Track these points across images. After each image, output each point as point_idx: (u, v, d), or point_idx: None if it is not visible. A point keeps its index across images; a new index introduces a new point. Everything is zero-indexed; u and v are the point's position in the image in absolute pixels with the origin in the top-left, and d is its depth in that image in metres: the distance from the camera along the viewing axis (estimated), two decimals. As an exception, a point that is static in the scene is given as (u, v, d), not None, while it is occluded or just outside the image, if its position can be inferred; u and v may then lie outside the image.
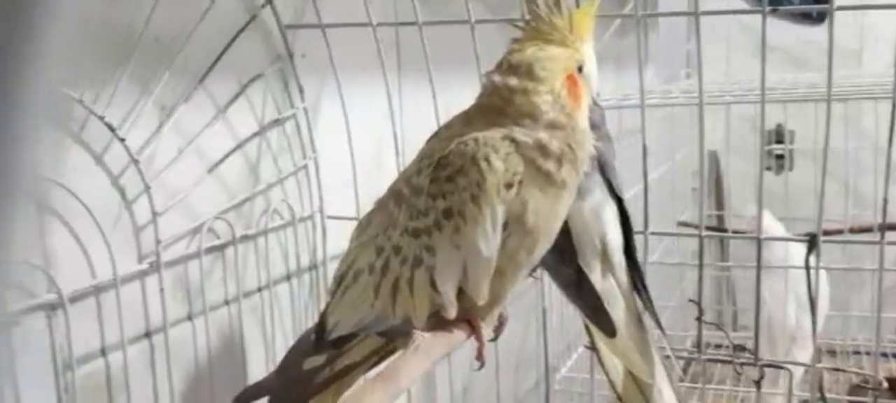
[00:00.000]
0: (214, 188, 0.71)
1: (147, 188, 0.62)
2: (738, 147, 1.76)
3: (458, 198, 0.45)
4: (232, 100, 0.72)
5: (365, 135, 0.85)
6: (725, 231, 1.72)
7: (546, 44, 0.48)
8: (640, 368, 0.61)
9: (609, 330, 0.59)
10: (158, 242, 0.63)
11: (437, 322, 0.48)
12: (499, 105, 0.47)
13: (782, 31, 1.93)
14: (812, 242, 0.65)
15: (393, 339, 0.49)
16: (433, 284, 0.46)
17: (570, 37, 0.48)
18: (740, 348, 0.70)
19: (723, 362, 0.73)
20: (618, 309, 0.61)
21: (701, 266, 0.70)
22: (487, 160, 0.44)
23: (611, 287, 0.61)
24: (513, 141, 0.45)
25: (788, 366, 0.73)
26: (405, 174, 0.50)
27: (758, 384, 0.70)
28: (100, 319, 0.60)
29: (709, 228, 2.01)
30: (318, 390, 0.51)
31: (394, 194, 0.49)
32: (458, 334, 0.49)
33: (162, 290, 0.64)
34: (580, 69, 0.48)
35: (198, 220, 0.69)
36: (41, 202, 0.55)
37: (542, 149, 0.45)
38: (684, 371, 1.32)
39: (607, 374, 0.64)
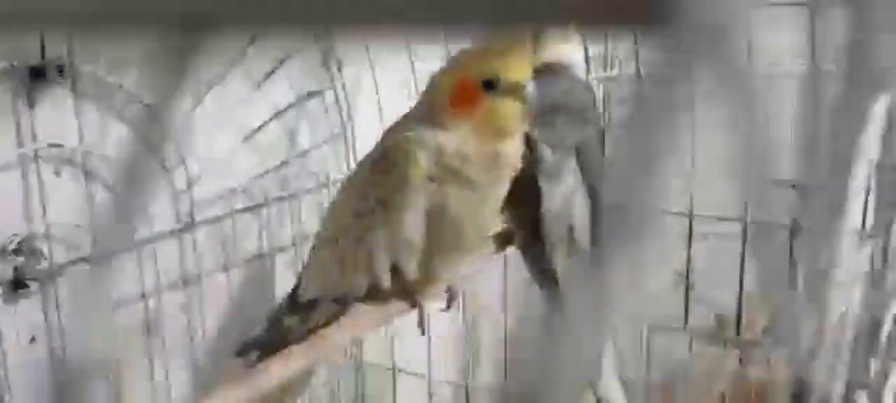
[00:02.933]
0: (252, 153, 0.79)
1: (182, 160, 0.71)
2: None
3: (390, 187, 0.52)
4: (269, 75, 0.79)
5: (399, 104, 0.91)
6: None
7: (486, 50, 0.53)
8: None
9: (559, 308, 0.64)
10: (193, 204, 0.73)
11: (383, 294, 0.55)
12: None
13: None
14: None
15: (344, 307, 0.56)
16: (371, 262, 0.53)
17: (513, 48, 0.52)
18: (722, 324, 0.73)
19: (704, 337, 0.76)
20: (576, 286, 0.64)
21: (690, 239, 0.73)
22: (414, 156, 0.51)
23: (573, 264, 0.64)
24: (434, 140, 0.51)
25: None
26: (363, 159, 0.57)
27: (740, 360, 0.73)
28: (140, 268, 0.71)
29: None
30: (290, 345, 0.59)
31: (353, 175, 0.57)
32: (398, 306, 0.56)
33: (195, 248, 0.74)
34: (490, 84, 0.52)
35: (236, 182, 0.77)
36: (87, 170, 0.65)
37: (440, 148, 0.51)
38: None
39: None
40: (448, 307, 0.62)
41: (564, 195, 0.63)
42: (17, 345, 0.61)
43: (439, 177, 0.51)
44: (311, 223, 0.88)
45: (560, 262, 0.63)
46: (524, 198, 0.63)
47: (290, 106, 0.82)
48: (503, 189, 0.54)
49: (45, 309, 0.63)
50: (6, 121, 0.58)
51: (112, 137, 0.66)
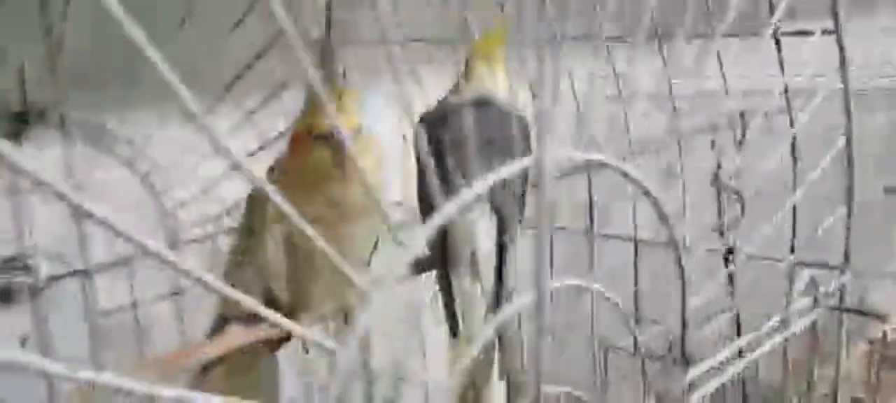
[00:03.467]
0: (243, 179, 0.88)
1: (166, 189, 0.81)
2: None
3: (255, 220, 0.59)
4: (259, 108, 0.87)
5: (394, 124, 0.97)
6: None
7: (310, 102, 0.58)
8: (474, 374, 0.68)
9: (453, 330, 0.67)
10: (176, 231, 0.82)
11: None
12: None
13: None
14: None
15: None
16: (246, 287, 0.60)
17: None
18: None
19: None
20: (475, 314, 0.68)
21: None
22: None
23: (475, 293, 0.67)
24: None
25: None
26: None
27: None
28: (131, 280, 0.80)
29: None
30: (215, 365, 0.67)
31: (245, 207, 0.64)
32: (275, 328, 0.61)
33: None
34: (309, 134, 0.58)
35: (226, 204, 0.86)
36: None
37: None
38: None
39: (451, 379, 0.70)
40: (344, 323, 0.67)
41: (468, 223, 0.66)
42: (11, 345, 0.72)
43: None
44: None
45: (465, 284, 0.66)
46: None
47: (281, 134, 0.90)
48: (357, 228, 0.59)
49: (35, 315, 0.73)
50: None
51: (100, 169, 0.76)
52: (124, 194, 0.78)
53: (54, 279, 0.73)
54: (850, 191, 0.56)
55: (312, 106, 0.59)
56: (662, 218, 0.41)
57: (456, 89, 0.72)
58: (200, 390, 0.42)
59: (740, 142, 0.64)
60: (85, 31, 0.71)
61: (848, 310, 0.60)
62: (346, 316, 0.67)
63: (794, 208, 0.62)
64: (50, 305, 0.74)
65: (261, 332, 0.61)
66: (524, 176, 0.70)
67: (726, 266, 0.68)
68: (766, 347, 0.53)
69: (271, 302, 0.61)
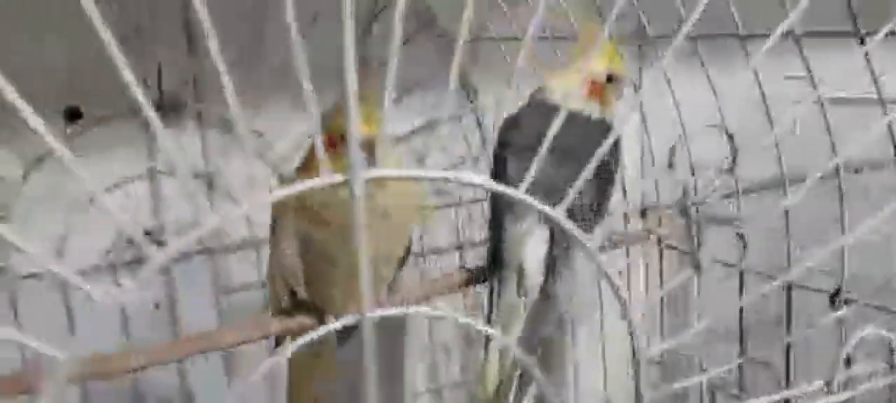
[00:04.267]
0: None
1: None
2: None
3: (275, 217, 0.61)
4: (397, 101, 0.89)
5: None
6: None
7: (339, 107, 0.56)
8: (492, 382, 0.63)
9: (486, 340, 0.62)
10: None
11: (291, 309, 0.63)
12: None
13: None
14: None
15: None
16: (272, 280, 0.62)
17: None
18: None
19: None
20: (513, 328, 0.63)
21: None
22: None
23: (517, 305, 0.63)
24: None
25: None
26: None
27: None
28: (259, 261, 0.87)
29: None
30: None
31: None
32: (305, 319, 0.62)
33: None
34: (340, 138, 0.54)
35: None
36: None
37: (306, 192, 0.56)
38: None
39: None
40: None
41: (519, 234, 0.62)
42: (145, 310, 0.81)
43: (307, 216, 0.57)
44: (440, 240, 0.97)
45: (511, 294, 0.62)
46: (491, 231, 0.64)
47: (415, 131, 0.91)
48: (377, 229, 0.57)
49: (167, 285, 0.82)
50: (140, 146, 0.77)
51: (233, 158, 0.82)
52: (253, 183, 0.83)
53: (185, 255, 0.81)
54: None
55: (341, 109, 0.58)
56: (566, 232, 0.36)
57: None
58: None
59: (731, 166, 0.54)
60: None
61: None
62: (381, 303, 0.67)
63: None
64: (182, 279, 0.82)
65: (292, 324, 0.62)
66: (595, 190, 0.64)
67: (833, 307, 0.59)
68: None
69: (301, 302, 0.62)
